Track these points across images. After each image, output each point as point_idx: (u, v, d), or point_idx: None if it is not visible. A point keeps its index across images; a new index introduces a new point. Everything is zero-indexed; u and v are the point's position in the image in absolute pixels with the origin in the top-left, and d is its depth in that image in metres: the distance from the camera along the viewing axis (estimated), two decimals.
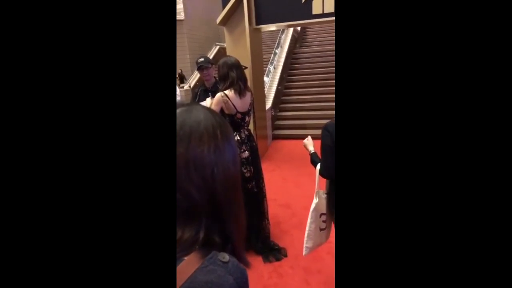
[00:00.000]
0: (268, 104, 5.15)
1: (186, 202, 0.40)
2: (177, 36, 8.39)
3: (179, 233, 0.40)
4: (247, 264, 0.45)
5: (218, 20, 3.85)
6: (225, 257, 0.41)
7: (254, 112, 2.12)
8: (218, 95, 1.88)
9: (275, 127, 5.50)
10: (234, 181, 0.45)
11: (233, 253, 0.44)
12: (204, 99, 2.25)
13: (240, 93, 1.89)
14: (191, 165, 0.40)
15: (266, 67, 6.00)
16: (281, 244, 2.26)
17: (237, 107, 1.90)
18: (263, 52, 4.54)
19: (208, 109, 0.46)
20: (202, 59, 2.42)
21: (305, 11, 3.46)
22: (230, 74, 1.88)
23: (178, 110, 0.43)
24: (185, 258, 0.39)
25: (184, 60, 8.67)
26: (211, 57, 4.34)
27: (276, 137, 5.32)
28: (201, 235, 0.40)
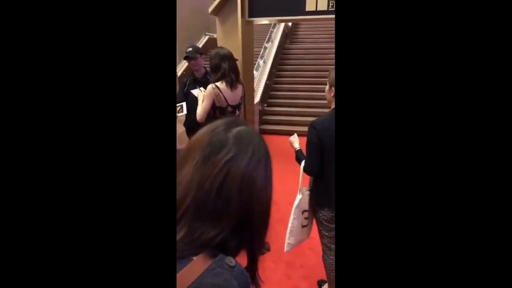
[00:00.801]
0: (257, 98, 5.13)
1: (224, 208, 0.42)
2: None
3: (198, 232, 0.41)
4: (257, 284, 0.48)
5: (210, 9, 3.78)
6: (232, 261, 0.42)
7: (245, 106, 2.10)
8: (210, 87, 1.84)
9: (262, 122, 5.49)
10: (269, 207, 0.49)
11: (250, 268, 0.47)
12: (194, 88, 2.21)
13: (232, 85, 1.87)
14: (245, 180, 0.43)
15: (256, 61, 5.96)
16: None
17: (228, 100, 1.88)
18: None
19: (261, 136, 0.50)
20: (190, 49, 2.36)
21: (299, 7, 3.44)
22: (222, 65, 1.85)
23: (243, 128, 0.46)
24: (194, 258, 0.40)
25: None
26: (200, 47, 4.26)
27: (262, 132, 5.32)
28: (219, 238, 0.42)
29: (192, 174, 0.42)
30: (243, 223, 0.44)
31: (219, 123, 0.47)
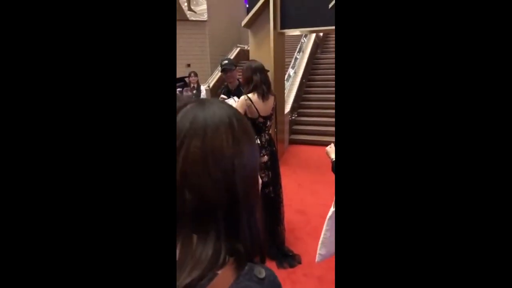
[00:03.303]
0: (287, 108, 5.14)
1: (199, 201, 0.36)
2: (199, 36, 8.50)
3: (196, 250, 0.36)
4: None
5: (244, 22, 3.89)
6: (262, 272, 0.38)
7: (276, 116, 2.11)
8: (242, 98, 1.89)
9: (292, 132, 5.47)
10: (254, 175, 0.41)
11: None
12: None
13: (263, 96, 1.90)
14: (209, 159, 0.36)
15: (287, 71, 5.99)
16: (295, 251, 2.24)
17: (259, 111, 1.91)
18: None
19: (221, 102, 0.43)
20: (226, 61, 2.45)
21: (331, 17, 3.43)
22: (253, 78, 1.89)
23: (188, 107, 0.39)
24: (219, 272, 0.36)
25: (204, 60, 8.78)
26: (232, 58, 4.40)
27: (292, 142, 5.29)
28: (222, 251, 0.37)
29: None
30: (233, 209, 0.38)
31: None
